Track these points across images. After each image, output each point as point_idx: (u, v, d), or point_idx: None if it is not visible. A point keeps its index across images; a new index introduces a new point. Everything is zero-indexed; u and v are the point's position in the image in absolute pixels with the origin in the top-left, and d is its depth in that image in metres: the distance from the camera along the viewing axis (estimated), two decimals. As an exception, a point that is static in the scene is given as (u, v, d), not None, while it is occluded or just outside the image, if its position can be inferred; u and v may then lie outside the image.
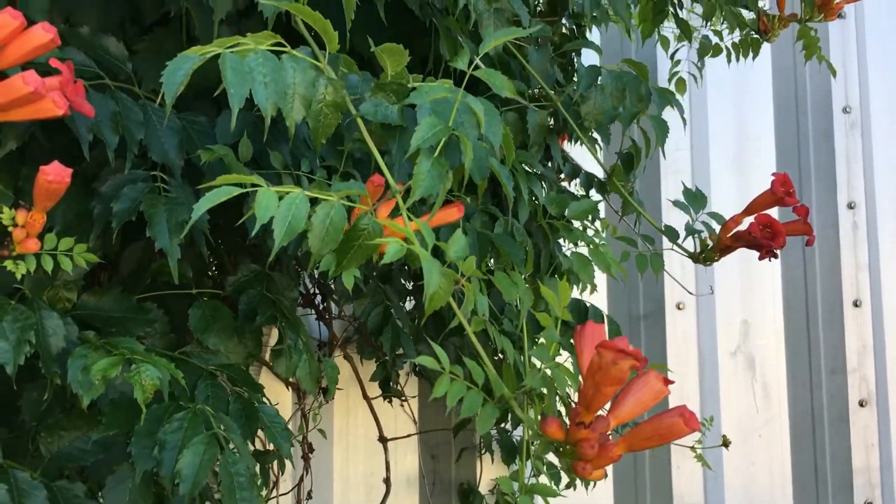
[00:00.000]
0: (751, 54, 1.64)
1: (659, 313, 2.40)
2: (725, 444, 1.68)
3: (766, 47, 1.71)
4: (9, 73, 0.82)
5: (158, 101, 0.72)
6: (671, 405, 2.46)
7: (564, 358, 1.31)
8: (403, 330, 1.30)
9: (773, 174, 1.14)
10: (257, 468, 1.17)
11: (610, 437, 0.74)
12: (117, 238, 0.93)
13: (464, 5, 1.13)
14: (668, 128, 1.26)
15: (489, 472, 2.15)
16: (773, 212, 1.20)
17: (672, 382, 0.73)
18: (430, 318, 0.86)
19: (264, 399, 1.08)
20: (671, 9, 1.60)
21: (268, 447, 1.33)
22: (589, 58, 1.82)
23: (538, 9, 1.64)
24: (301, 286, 1.57)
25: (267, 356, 1.35)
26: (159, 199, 0.90)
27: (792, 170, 2.55)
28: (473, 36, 1.30)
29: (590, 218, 1.51)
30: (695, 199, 1.27)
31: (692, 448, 1.64)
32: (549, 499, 0.85)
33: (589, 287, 1.41)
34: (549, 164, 1.61)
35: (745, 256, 1.44)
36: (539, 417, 0.78)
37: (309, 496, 1.84)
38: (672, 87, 2.17)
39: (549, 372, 0.84)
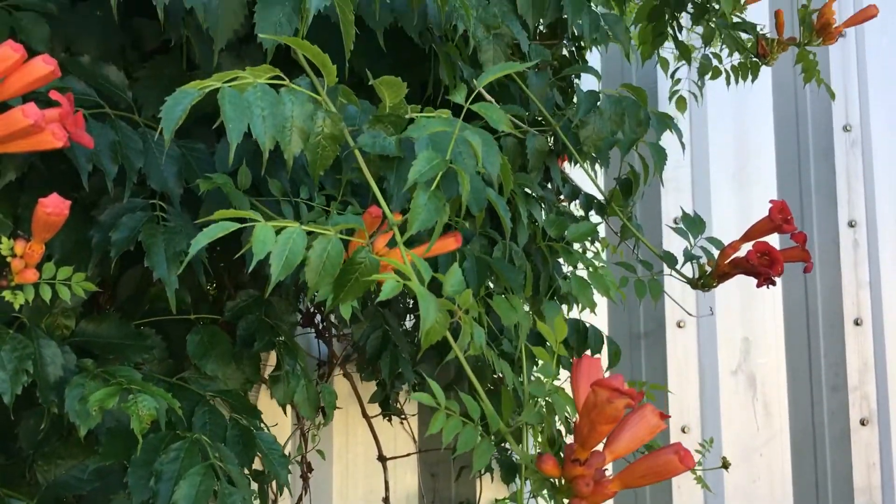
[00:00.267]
0: (750, 77, 1.64)
1: (659, 331, 2.40)
2: (725, 465, 1.68)
3: (765, 64, 1.72)
4: (10, 104, 0.83)
5: (158, 133, 0.73)
6: (671, 422, 2.45)
7: (564, 378, 1.31)
8: (402, 354, 1.30)
9: (771, 201, 1.15)
10: (256, 488, 1.17)
11: (606, 471, 0.74)
12: (115, 263, 0.93)
13: (463, 30, 1.14)
14: (666, 155, 1.26)
15: (489, 491, 2.15)
16: (772, 238, 1.20)
17: (668, 417, 0.73)
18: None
19: (262, 424, 1.08)
20: (671, 31, 1.60)
21: (266, 467, 1.32)
22: (588, 79, 1.83)
23: (539, 29, 1.65)
24: (301, 304, 1.57)
25: (266, 373, 1.36)
26: (158, 229, 0.90)
27: (792, 188, 2.55)
28: (473, 60, 1.31)
29: (589, 239, 1.51)
30: (694, 224, 1.27)
31: (692, 470, 1.64)
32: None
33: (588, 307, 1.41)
34: (549, 186, 1.62)
35: (745, 274, 1.44)
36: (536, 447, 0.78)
37: (308, 515, 1.84)
38: (673, 106, 2.18)
39: (545, 403, 0.84)
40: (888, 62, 2.58)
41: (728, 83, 1.72)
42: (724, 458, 1.63)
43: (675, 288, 1.52)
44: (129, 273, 1.13)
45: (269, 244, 0.70)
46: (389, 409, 1.74)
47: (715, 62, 1.73)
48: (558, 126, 1.30)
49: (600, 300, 1.42)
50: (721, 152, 2.52)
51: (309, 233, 0.73)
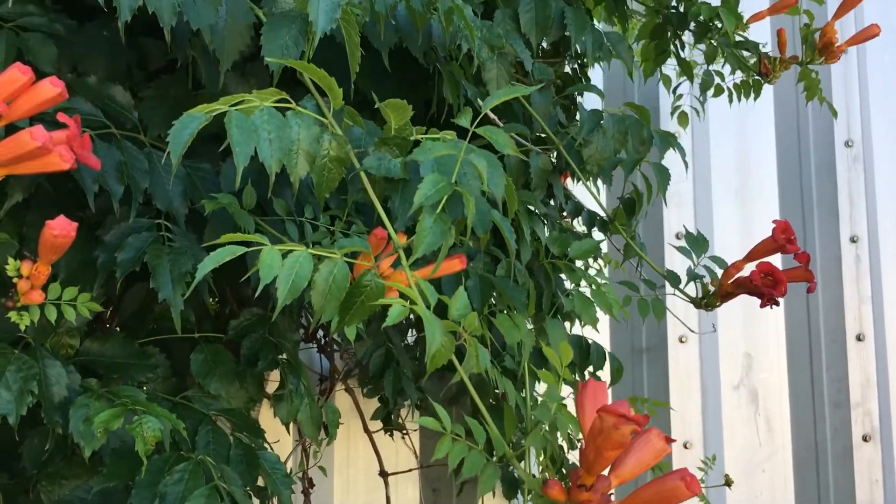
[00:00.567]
0: (752, 95, 1.65)
1: (661, 346, 2.40)
2: (728, 483, 1.67)
3: (768, 79, 1.72)
4: (18, 126, 0.83)
5: (165, 156, 0.73)
6: (673, 438, 2.44)
7: (567, 393, 1.31)
8: (405, 372, 1.30)
9: (774, 221, 1.15)
10: (257, 504, 1.17)
11: (612, 495, 0.74)
12: (120, 281, 0.93)
13: (467, 49, 1.15)
14: (669, 175, 1.26)
15: (490, 506, 2.14)
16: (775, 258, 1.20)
17: (673, 441, 0.73)
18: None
19: (265, 443, 1.08)
20: (673, 49, 1.61)
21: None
22: (591, 95, 1.84)
23: (542, 46, 1.65)
24: (303, 318, 1.57)
25: (268, 387, 1.36)
26: (163, 249, 0.90)
27: (794, 203, 2.55)
28: (477, 78, 1.31)
29: (592, 256, 1.51)
30: (696, 243, 1.27)
31: (695, 488, 1.63)
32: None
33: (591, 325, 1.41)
34: (552, 202, 1.62)
35: (747, 289, 1.44)
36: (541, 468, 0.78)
37: (309, 531, 1.83)
38: (675, 121, 2.19)
39: (548, 427, 0.84)
40: (890, 78, 2.59)
41: (730, 101, 1.73)
42: (726, 475, 1.63)
43: (678, 304, 1.52)
44: (133, 290, 1.14)
45: (275, 268, 0.70)
46: (391, 425, 1.73)
47: (717, 80, 1.74)
48: (562, 144, 1.30)
49: (602, 315, 1.42)
50: (723, 167, 2.52)
51: (315, 256, 0.74)
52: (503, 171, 0.88)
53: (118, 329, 1.14)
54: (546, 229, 1.46)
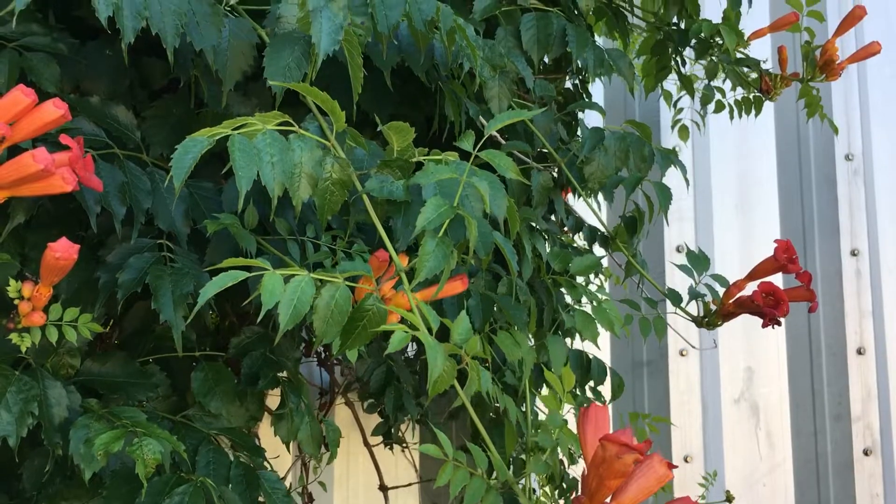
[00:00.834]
0: (753, 112, 1.65)
1: (662, 360, 2.40)
2: (729, 499, 1.67)
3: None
4: (21, 147, 0.83)
5: (168, 180, 0.73)
6: (674, 451, 2.42)
7: (567, 408, 1.31)
8: (406, 388, 1.29)
9: (776, 241, 1.15)
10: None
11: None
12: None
13: (469, 68, 1.15)
14: (671, 194, 1.26)
15: (490, 520, 2.13)
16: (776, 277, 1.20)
17: (675, 467, 0.73)
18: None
19: (266, 462, 1.07)
20: (674, 65, 1.61)
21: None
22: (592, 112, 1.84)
23: (543, 61, 1.66)
24: (303, 332, 1.57)
25: (268, 401, 1.35)
26: (165, 270, 0.90)
27: (795, 216, 2.55)
28: (478, 95, 1.31)
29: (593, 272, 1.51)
30: (698, 261, 1.27)
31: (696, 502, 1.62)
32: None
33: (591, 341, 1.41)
34: (553, 217, 1.62)
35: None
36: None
37: (309, 546, 1.82)
38: (675, 134, 2.19)
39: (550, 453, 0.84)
40: (890, 91, 2.60)
41: (731, 117, 1.73)
42: (727, 491, 1.62)
43: (679, 319, 1.52)
44: (134, 308, 1.13)
45: (277, 294, 0.70)
46: (391, 439, 1.73)
47: (718, 96, 1.74)
48: (563, 162, 1.30)
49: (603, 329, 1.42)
50: (723, 181, 2.53)
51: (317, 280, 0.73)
52: (505, 193, 0.88)
53: (119, 346, 1.14)
54: (547, 245, 1.46)
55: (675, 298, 1.28)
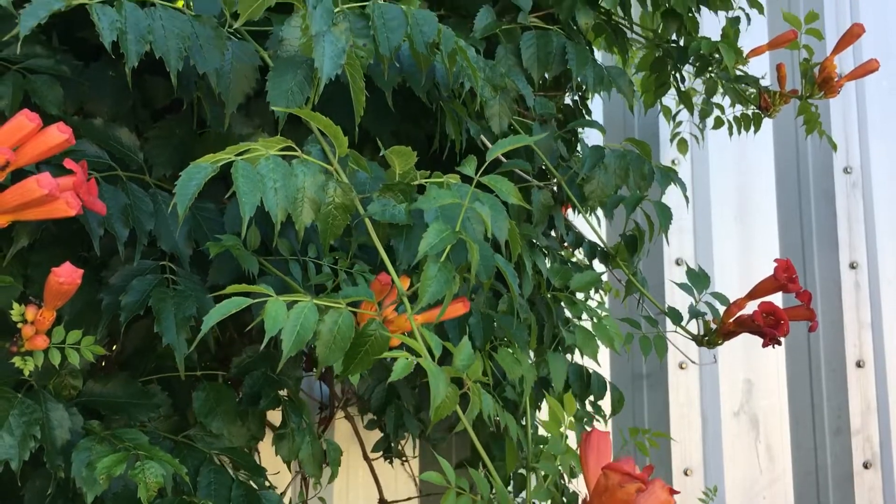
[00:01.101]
0: (752, 128, 1.66)
1: (661, 373, 2.40)
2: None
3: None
4: (25, 170, 0.84)
5: (171, 207, 0.73)
6: (674, 464, 2.42)
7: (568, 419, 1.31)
8: (406, 406, 1.29)
9: (776, 260, 1.15)
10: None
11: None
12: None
13: (469, 87, 1.15)
14: (671, 214, 1.27)
15: (490, 534, 2.12)
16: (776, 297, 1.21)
17: (677, 493, 0.73)
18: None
19: (266, 481, 1.07)
20: (673, 81, 1.62)
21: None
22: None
23: (543, 77, 1.66)
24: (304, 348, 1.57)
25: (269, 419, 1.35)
26: (167, 293, 0.91)
27: (794, 229, 2.56)
28: (479, 113, 1.32)
29: (593, 288, 1.51)
30: (698, 279, 1.28)
31: (696, 519, 1.63)
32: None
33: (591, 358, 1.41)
34: (553, 233, 1.62)
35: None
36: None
37: (308, 561, 1.81)
38: (674, 148, 2.20)
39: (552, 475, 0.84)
40: (888, 104, 2.61)
41: (731, 133, 1.74)
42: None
43: (679, 332, 1.53)
44: (135, 327, 1.14)
45: (280, 321, 0.70)
46: (391, 453, 1.73)
47: (717, 112, 1.75)
48: (564, 179, 1.31)
49: (602, 341, 1.42)
50: (723, 193, 2.53)
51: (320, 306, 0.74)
52: (506, 215, 0.89)
53: (121, 365, 1.14)
54: (547, 261, 1.47)
55: (676, 317, 1.29)
